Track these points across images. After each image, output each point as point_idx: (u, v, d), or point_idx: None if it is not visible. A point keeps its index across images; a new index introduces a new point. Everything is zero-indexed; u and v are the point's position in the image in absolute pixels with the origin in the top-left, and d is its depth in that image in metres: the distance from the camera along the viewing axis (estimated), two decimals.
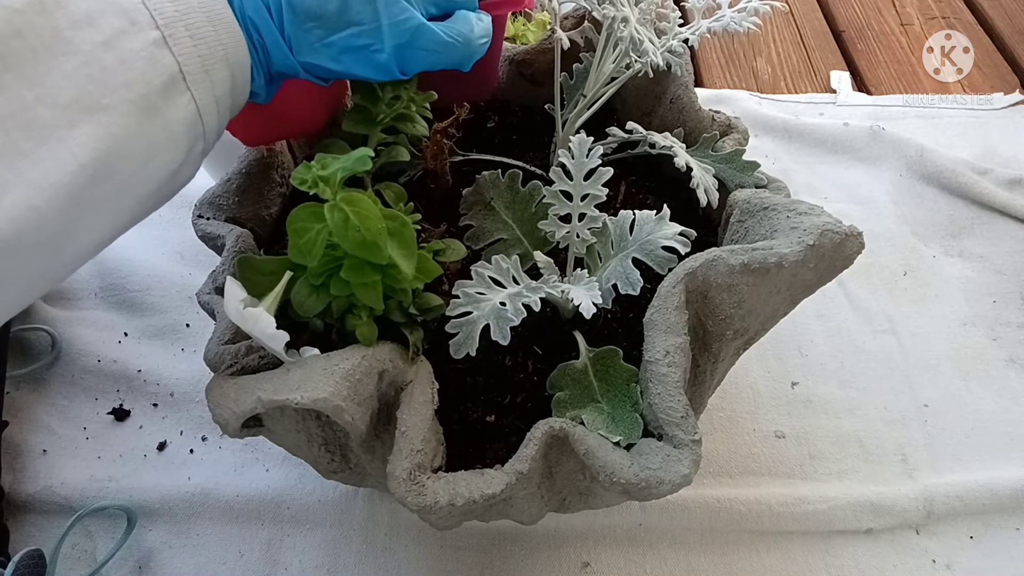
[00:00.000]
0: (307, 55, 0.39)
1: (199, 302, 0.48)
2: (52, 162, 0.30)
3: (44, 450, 0.63)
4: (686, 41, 0.52)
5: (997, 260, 0.77)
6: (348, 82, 0.52)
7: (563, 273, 0.47)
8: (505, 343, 0.40)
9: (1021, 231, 0.79)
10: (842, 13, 1.09)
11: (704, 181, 0.49)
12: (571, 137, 0.45)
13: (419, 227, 0.48)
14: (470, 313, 0.41)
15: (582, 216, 0.46)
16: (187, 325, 0.71)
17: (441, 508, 0.38)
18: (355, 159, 0.37)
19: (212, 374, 0.42)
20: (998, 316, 0.73)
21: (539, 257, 0.45)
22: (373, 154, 0.38)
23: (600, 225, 0.45)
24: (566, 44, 0.51)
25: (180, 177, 0.37)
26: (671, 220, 0.43)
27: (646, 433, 0.42)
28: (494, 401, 0.47)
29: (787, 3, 1.08)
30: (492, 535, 0.58)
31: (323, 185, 0.36)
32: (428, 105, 0.48)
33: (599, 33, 0.53)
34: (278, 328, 0.37)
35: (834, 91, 0.96)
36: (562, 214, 0.46)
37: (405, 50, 0.40)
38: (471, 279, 0.42)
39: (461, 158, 0.57)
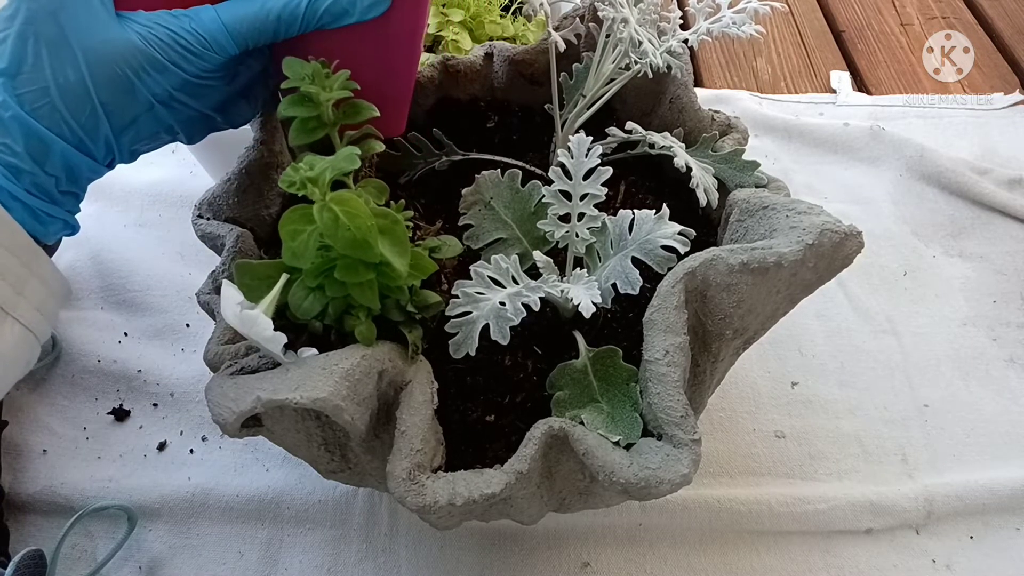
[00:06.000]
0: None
1: (199, 302, 0.48)
2: None
3: (44, 450, 0.63)
4: (686, 42, 0.52)
5: (997, 260, 0.77)
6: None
7: (562, 273, 0.47)
8: (505, 343, 0.40)
9: (1021, 231, 0.79)
10: (842, 13, 1.09)
11: (704, 181, 0.49)
12: (570, 137, 0.45)
13: (413, 224, 0.48)
14: (469, 313, 0.41)
15: (581, 216, 0.46)
16: (187, 325, 0.71)
17: (441, 508, 0.38)
18: (342, 158, 0.37)
19: (212, 374, 0.42)
20: (998, 316, 0.73)
21: (538, 257, 0.45)
22: (360, 152, 0.38)
23: (599, 224, 0.45)
24: (562, 46, 0.51)
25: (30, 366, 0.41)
26: (671, 220, 0.43)
27: (646, 433, 0.42)
28: (494, 401, 0.47)
29: (787, 3, 1.09)
30: (492, 535, 0.58)
31: (311, 186, 0.36)
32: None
33: (599, 33, 0.53)
34: (276, 330, 0.37)
35: (834, 91, 0.96)
36: (561, 214, 0.46)
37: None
38: (470, 279, 0.42)
39: (461, 158, 0.57)
